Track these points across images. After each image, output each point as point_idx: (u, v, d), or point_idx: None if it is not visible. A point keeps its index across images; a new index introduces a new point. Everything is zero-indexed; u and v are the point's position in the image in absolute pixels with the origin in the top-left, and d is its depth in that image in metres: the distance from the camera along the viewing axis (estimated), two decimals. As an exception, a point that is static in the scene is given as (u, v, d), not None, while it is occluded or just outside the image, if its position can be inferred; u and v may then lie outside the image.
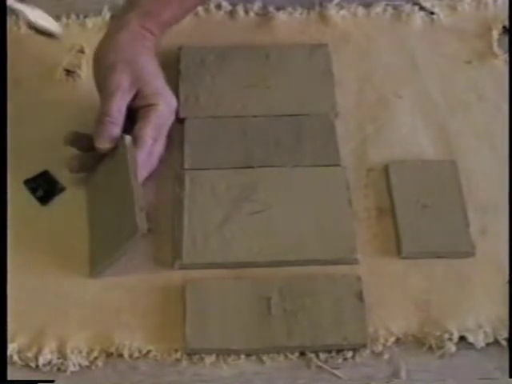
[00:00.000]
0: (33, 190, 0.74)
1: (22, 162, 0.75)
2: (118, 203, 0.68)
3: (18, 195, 0.73)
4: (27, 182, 0.74)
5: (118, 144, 0.70)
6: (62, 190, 0.74)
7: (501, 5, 0.88)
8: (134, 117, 0.72)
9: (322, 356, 0.65)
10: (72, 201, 0.73)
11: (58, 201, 0.73)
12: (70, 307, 0.67)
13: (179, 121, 0.78)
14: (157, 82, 0.74)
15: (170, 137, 0.75)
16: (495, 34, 0.85)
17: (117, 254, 0.67)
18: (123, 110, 0.71)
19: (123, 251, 0.67)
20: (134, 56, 0.73)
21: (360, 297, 0.66)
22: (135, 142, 0.70)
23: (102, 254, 0.68)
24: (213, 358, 0.65)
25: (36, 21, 0.78)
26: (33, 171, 0.75)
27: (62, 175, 0.74)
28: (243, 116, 0.78)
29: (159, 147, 0.73)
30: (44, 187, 0.74)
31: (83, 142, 0.73)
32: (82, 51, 0.84)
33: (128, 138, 0.70)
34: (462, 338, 0.66)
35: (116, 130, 0.70)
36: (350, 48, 0.84)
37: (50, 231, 0.71)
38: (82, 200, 0.73)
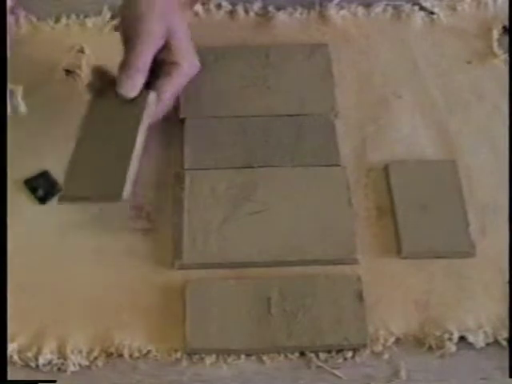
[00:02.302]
0: (33, 190, 0.74)
1: (22, 162, 0.75)
2: (115, 151, 0.68)
3: (18, 195, 0.73)
4: (27, 182, 0.74)
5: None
6: (61, 189, 0.74)
7: (501, 5, 0.87)
8: (154, 68, 0.72)
9: (322, 356, 0.65)
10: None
11: (56, 201, 0.73)
12: (70, 307, 0.67)
13: (179, 121, 0.78)
14: (186, 40, 0.73)
15: (169, 137, 0.75)
16: (495, 33, 0.85)
17: (90, 198, 0.67)
18: (150, 59, 0.71)
19: (96, 200, 0.67)
20: (167, 9, 0.72)
21: (360, 297, 0.66)
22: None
23: (76, 184, 0.68)
24: (213, 358, 0.65)
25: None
26: (33, 171, 0.75)
27: (62, 175, 0.74)
28: (243, 116, 0.78)
29: (170, 104, 0.74)
30: (44, 187, 0.74)
31: (105, 80, 0.73)
32: (82, 51, 0.84)
33: (153, 95, 0.70)
34: (462, 338, 0.66)
35: (141, 79, 0.70)
36: (350, 48, 0.84)
37: (50, 231, 0.71)
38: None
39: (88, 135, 0.71)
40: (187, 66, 0.73)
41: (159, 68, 0.72)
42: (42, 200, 0.73)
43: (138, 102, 0.70)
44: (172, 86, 0.72)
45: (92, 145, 0.71)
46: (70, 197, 0.68)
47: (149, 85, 0.71)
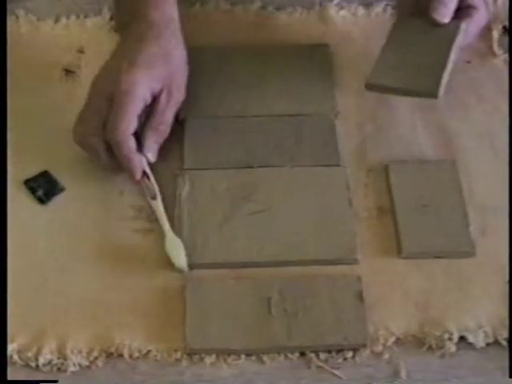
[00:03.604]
0: (33, 190, 0.74)
1: (22, 162, 0.75)
2: (431, 49, 0.71)
3: (18, 195, 0.73)
4: (27, 182, 0.74)
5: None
6: (61, 190, 0.74)
7: (501, 5, 0.88)
8: None
9: (322, 356, 0.65)
10: (72, 201, 0.73)
11: (57, 201, 0.73)
12: (70, 307, 0.67)
13: (179, 121, 0.78)
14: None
15: (169, 137, 0.75)
16: (495, 34, 0.85)
17: (400, 90, 0.70)
18: None
19: (405, 94, 0.71)
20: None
21: (360, 297, 0.66)
22: None
23: (386, 74, 0.71)
24: (213, 358, 0.65)
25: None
26: (33, 171, 0.75)
27: (62, 175, 0.74)
28: (243, 116, 0.78)
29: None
30: (44, 187, 0.74)
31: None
32: (81, 51, 0.84)
33: (464, 25, 0.72)
34: (462, 338, 0.66)
35: (454, 7, 0.73)
36: (350, 48, 0.84)
37: (50, 231, 0.71)
38: (82, 200, 0.73)
39: (394, 43, 0.74)
40: (485, 10, 0.75)
41: (458, 12, 0.74)
42: (42, 200, 0.73)
43: (448, 28, 0.73)
44: (475, 29, 0.74)
45: (400, 47, 0.73)
46: (378, 86, 0.71)
47: None
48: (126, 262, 0.70)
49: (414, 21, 0.75)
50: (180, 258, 0.68)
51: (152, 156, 0.73)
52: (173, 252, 0.68)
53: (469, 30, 0.74)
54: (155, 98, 0.72)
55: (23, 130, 0.77)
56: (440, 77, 0.69)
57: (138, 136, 0.72)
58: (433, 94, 0.70)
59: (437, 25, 0.73)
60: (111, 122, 0.70)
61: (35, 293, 0.68)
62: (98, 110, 0.71)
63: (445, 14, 0.73)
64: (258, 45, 0.84)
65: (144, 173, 0.72)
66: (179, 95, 0.74)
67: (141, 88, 0.70)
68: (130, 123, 0.70)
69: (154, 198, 0.72)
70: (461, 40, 0.73)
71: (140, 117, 0.71)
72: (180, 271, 0.68)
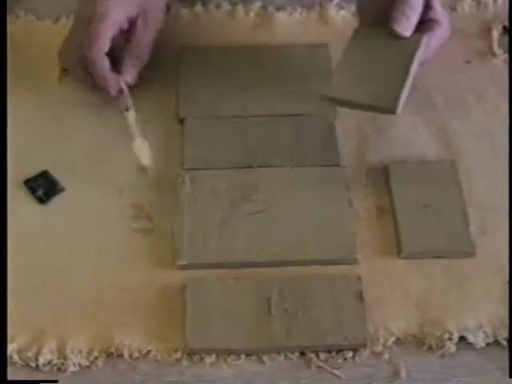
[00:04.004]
0: (32, 190, 0.73)
1: (21, 162, 0.75)
2: (391, 62, 0.70)
3: (18, 195, 0.73)
4: (27, 182, 0.74)
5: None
6: (61, 189, 0.74)
7: (501, 5, 0.88)
8: None
9: (322, 356, 0.65)
10: (72, 201, 0.73)
11: (57, 201, 0.73)
12: (70, 307, 0.67)
13: (179, 121, 0.78)
14: None
15: (169, 137, 0.75)
16: (495, 33, 0.85)
17: (360, 105, 0.68)
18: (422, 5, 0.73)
19: (366, 109, 0.69)
20: None
21: (360, 297, 0.66)
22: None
23: (346, 88, 0.69)
24: (213, 358, 0.65)
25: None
26: (32, 171, 0.74)
27: (62, 175, 0.74)
28: (243, 116, 0.78)
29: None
30: (44, 187, 0.74)
31: None
32: (81, 51, 0.84)
33: (426, 38, 0.71)
34: (462, 338, 0.66)
35: (415, 20, 0.72)
36: (350, 48, 0.84)
37: (50, 231, 0.71)
38: (82, 200, 0.73)
39: (353, 54, 0.72)
40: (446, 24, 0.74)
41: (420, 25, 0.73)
42: (42, 200, 0.73)
43: (409, 41, 0.71)
44: (436, 43, 0.74)
45: (359, 59, 0.72)
46: (333, 99, 0.70)
47: None
48: (125, 261, 0.70)
49: (375, 31, 0.73)
50: (144, 157, 0.74)
51: (130, 78, 0.78)
52: (138, 152, 0.74)
53: (430, 43, 0.73)
54: (132, 24, 0.77)
55: (23, 130, 0.77)
56: (399, 93, 0.68)
57: (118, 58, 0.77)
58: (391, 111, 0.68)
59: (398, 37, 0.72)
60: (86, 44, 0.75)
61: (35, 293, 0.68)
62: (77, 33, 0.77)
63: (406, 27, 0.72)
64: (257, 45, 0.84)
65: (120, 90, 0.77)
66: (156, 21, 0.78)
67: (115, 11, 0.75)
68: (104, 44, 0.75)
69: (127, 109, 0.77)
70: (421, 54, 0.72)
71: (116, 40, 0.76)
72: (145, 170, 0.73)
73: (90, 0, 0.77)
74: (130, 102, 0.77)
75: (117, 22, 0.76)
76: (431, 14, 0.73)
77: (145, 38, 0.78)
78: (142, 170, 0.74)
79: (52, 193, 0.73)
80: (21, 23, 0.87)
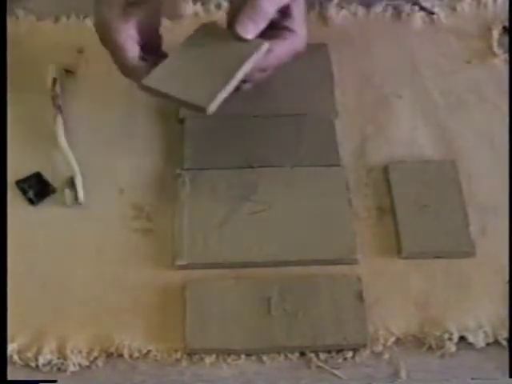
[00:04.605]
0: (24, 191, 0.73)
1: (19, 163, 0.75)
2: (216, 66, 0.68)
3: (17, 195, 0.73)
4: (18, 183, 0.74)
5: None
6: (53, 191, 0.73)
7: (501, 5, 0.88)
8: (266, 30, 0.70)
9: (322, 356, 0.65)
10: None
11: (55, 201, 0.73)
12: (70, 307, 0.67)
13: (179, 121, 0.78)
14: (304, 10, 0.73)
15: (169, 137, 0.75)
16: (495, 33, 0.85)
17: (173, 98, 0.66)
18: (274, 11, 0.70)
19: (177, 103, 0.67)
20: None
21: (360, 297, 0.66)
22: None
23: (163, 79, 0.67)
24: (213, 358, 0.65)
25: None
26: (32, 171, 0.74)
27: (55, 177, 0.74)
28: (243, 116, 0.78)
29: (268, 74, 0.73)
30: (35, 188, 0.73)
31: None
32: (81, 51, 0.84)
33: (266, 46, 0.69)
34: (462, 338, 0.65)
35: (262, 26, 0.69)
36: (350, 48, 0.84)
37: (50, 231, 0.71)
38: (82, 199, 0.73)
39: (188, 48, 0.70)
40: (303, 34, 0.72)
41: (271, 33, 0.71)
42: (33, 201, 0.73)
43: (250, 44, 0.69)
44: (285, 51, 0.71)
45: (191, 55, 0.69)
46: (151, 89, 0.67)
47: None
48: (125, 261, 0.70)
49: (221, 30, 0.71)
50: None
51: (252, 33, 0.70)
52: None
53: (277, 51, 0.70)
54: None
55: (23, 130, 0.77)
56: (216, 92, 0.66)
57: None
58: (202, 109, 0.65)
59: (239, 39, 0.69)
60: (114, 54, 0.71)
61: (35, 293, 0.68)
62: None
63: (248, 30, 0.68)
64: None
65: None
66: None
67: (123, 36, 0.70)
68: (128, 52, 0.70)
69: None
70: (259, 59, 0.69)
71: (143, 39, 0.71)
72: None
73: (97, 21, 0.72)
74: None
75: (131, 39, 0.71)
76: (287, 23, 0.71)
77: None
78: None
79: (43, 194, 0.73)
80: (21, 23, 0.87)
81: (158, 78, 0.67)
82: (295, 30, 0.71)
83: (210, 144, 0.76)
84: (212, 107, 0.65)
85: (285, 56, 0.72)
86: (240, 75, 0.68)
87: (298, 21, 0.71)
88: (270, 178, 0.73)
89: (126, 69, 0.71)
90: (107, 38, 0.71)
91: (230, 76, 0.67)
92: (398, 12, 0.87)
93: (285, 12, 0.71)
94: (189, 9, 0.87)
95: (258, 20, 0.69)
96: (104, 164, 0.75)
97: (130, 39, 0.70)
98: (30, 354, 0.65)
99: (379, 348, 0.65)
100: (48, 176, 0.74)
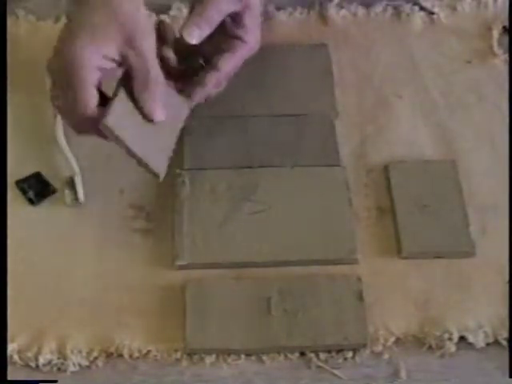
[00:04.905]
0: (24, 191, 0.73)
1: (19, 163, 0.75)
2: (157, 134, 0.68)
3: (17, 196, 0.73)
4: (18, 183, 0.74)
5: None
6: (53, 191, 0.74)
7: (501, 5, 0.87)
8: (215, 37, 0.71)
9: (322, 356, 0.65)
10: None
11: (55, 201, 0.73)
12: (70, 307, 0.67)
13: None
14: (258, 17, 0.73)
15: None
16: (495, 33, 0.85)
17: (133, 154, 0.66)
18: (220, 18, 0.70)
19: (138, 161, 0.67)
20: None
21: (360, 297, 0.66)
22: None
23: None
24: (213, 358, 0.65)
25: None
26: (31, 171, 0.74)
27: (55, 177, 0.74)
28: (243, 116, 0.78)
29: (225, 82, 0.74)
30: (35, 188, 0.73)
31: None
32: (81, 51, 0.84)
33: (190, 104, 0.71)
34: (462, 338, 0.66)
35: (207, 31, 0.69)
36: (350, 48, 0.84)
37: (50, 231, 0.71)
38: (82, 199, 0.73)
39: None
40: (254, 42, 0.73)
41: (221, 39, 0.71)
42: (33, 201, 0.73)
43: (180, 104, 0.71)
44: (233, 64, 0.72)
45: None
46: (112, 132, 0.65)
47: (208, 56, 0.72)
48: (125, 261, 0.70)
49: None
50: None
51: (160, 115, 0.68)
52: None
53: (226, 68, 0.71)
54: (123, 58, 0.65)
55: (23, 130, 0.77)
56: (166, 162, 0.68)
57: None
58: (156, 176, 0.67)
59: (186, 43, 0.68)
60: (70, 104, 0.65)
61: (35, 293, 0.68)
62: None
63: (194, 36, 0.69)
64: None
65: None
66: (149, 43, 0.66)
67: (86, 61, 0.64)
68: (89, 100, 0.64)
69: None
70: (186, 114, 0.71)
71: (104, 79, 0.66)
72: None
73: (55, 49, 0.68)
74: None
75: (95, 70, 0.65)
76: (238, 31, 0.71)
77: (152, 70, 0.67)
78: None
79: (43, 194, 0.73)
80: (21, 23, 0.87)
81: (117, 122, 0.65)
82: (245, 39, 0.72)
83: (210, 144, 0.76)
84: (163, 173, 0.68)
85: (237, 65, 0.72)
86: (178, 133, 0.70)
87: (250, 29, 0.72)
88: (269, 178, 0.73)
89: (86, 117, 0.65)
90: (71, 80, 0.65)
91: (173, 142, 0.70)
92: (397, 12, 0.87)
93: (236, 20, 0.71)
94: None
95: (203, 26, 0.69)
96: (104, 164, 0.75)
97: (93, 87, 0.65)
98: (30, 354, 0.65)
99: (379, 348, 0.65)
100: (48, 176, 0.74)
